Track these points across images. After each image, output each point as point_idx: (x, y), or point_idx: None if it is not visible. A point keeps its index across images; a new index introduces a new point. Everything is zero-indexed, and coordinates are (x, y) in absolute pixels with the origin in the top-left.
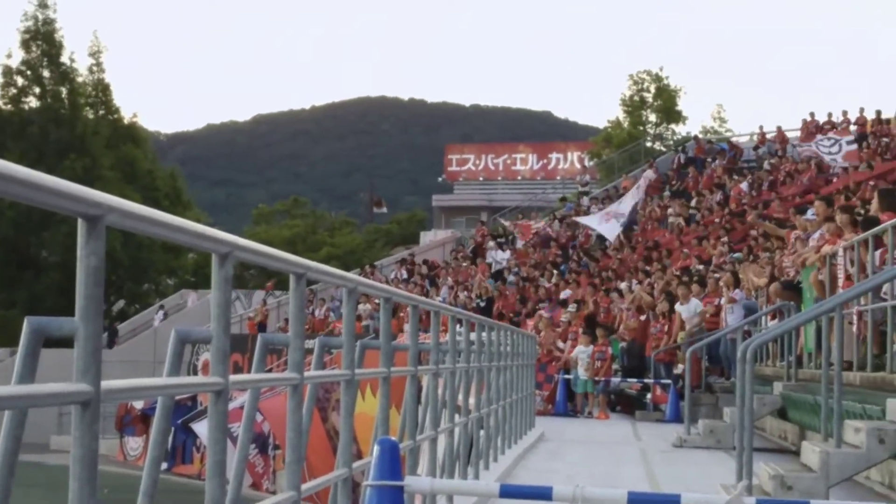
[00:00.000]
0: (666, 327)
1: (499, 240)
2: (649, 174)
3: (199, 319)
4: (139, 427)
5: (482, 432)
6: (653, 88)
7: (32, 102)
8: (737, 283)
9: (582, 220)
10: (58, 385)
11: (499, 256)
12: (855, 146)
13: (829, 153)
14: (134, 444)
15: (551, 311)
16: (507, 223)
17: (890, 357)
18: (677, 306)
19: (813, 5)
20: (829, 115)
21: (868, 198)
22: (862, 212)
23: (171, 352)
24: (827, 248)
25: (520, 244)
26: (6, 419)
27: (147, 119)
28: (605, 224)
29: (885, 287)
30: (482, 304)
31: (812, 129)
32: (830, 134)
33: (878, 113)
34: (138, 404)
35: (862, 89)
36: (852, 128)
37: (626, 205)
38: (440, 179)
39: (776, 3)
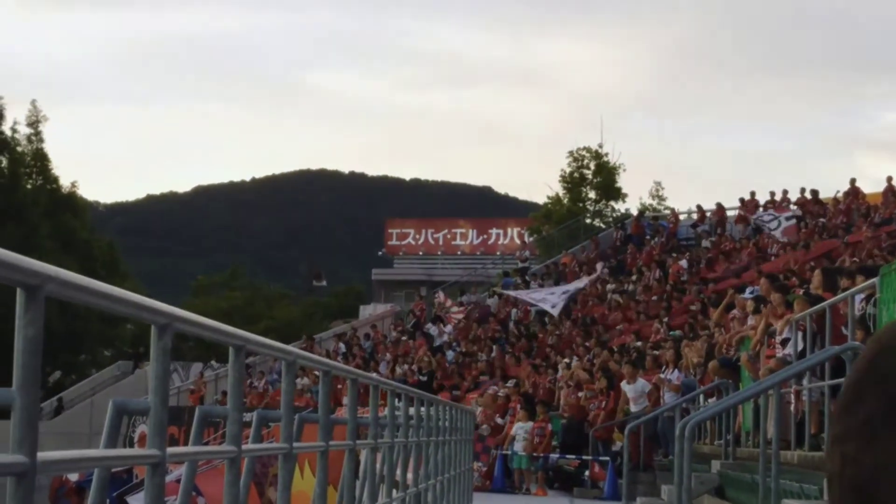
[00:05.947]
0: (604, 404)
1: (436, 321)
2: (599, 270)
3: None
4: (74, 499)
5: None
6: (593, 165)
7: None
8: (677, 360)
9: (520, 294)
10: None
11: (438, 331)
12: (794, 222)
13: (769, 228)
14: None
15: (490, 387)
16: (440, 299)
17: (827, 436)
18: (623, 385)
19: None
20: (772, 193)
21: (807, 277)
22: (801, 291)
23: (109, 423)
24: (763, 327)
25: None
26: None
27: (86, 189)
28: (549, 299)
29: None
30: (423, 379)
31: (751, 208)
32: (770, 210)
33: (815, 193)
34: (73, 476)
35: (800, 170)
36: (792, 207)
37: (571, 286)
38: (380, 253)
39: (717, 82)
